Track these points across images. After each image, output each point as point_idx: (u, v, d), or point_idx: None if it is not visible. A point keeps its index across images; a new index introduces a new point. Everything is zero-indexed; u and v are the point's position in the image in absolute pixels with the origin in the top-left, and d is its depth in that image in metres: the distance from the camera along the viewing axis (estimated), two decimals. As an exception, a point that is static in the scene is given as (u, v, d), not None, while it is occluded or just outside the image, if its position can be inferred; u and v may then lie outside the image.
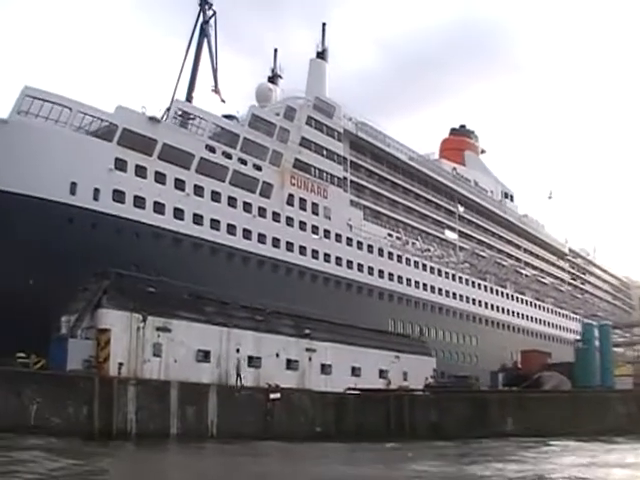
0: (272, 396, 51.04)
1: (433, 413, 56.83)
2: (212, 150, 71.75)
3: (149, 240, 63.95)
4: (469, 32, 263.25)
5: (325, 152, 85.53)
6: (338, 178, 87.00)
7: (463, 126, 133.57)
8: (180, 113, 71.11)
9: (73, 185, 59.76)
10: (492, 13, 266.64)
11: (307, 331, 59.24)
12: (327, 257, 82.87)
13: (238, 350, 52.88)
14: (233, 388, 50.16)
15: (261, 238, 74.80)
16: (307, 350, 58.78)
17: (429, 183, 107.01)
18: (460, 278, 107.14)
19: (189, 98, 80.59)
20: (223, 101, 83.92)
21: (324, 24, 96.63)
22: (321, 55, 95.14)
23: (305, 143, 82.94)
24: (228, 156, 73.29)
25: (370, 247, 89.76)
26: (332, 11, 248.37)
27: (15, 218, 55.88)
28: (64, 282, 52.11)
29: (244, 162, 74.80)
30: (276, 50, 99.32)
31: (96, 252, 56.59)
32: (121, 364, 44.69)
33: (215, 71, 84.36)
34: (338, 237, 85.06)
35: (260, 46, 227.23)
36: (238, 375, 51.65)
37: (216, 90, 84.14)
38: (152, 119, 66.98)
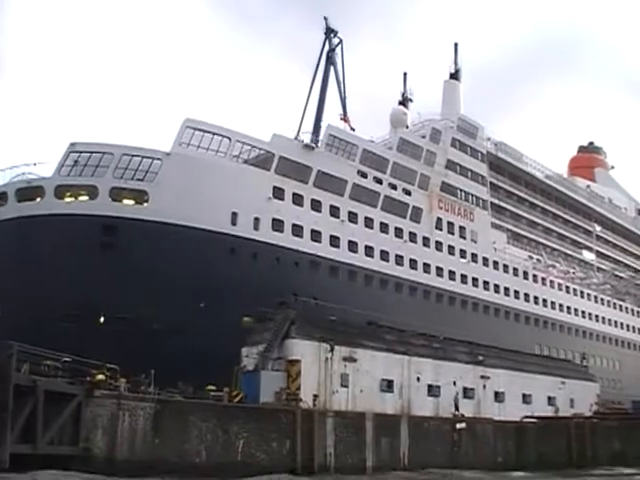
0: (458, 426, 49.23)
1: (616, 440, 54.17)
2: (364, 176, 70.73)
3: (307, 269, 62.94)
4: (554, 40, 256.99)
5: (470, 174, 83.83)
6: (483, 200, 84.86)
7: (591, 143, 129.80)
8: (332, 139, 69.89)
9: (234, 215, 59.23)
10: (574, 19, 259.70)
11: (480, 358, 56.94)
12: (475, 281, 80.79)
13: (419, 379, 51.15)
14: (423, 418, 48.40)
15: (412, 264, 73.28)
16: (481, 377, 56.49)
17: (566, 202, 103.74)
18: (602, 300, 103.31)
19: (317, 126, 79.50)
20: (352, 129, 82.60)
21: (456, 44, 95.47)
22: (454, 76, 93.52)
23: (451, 165, 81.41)
24: (379, 181, 72.19)
25: (515, 270, 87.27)
26: (406, 20, 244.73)
27: (181, 250, 55.32)
28: (229, 313, 51.74)
29: (394, 187, 73.63)
30: (405, 74, 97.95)
31: (257, 282, 55.84)
32: (316, 396, 43.32)
33: (343, 99, 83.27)
34: (485, 261, 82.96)
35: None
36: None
37: (345, 118, 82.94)
38: (307, 146, 66.34)
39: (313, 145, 67.27)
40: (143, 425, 34.88)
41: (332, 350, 45.54)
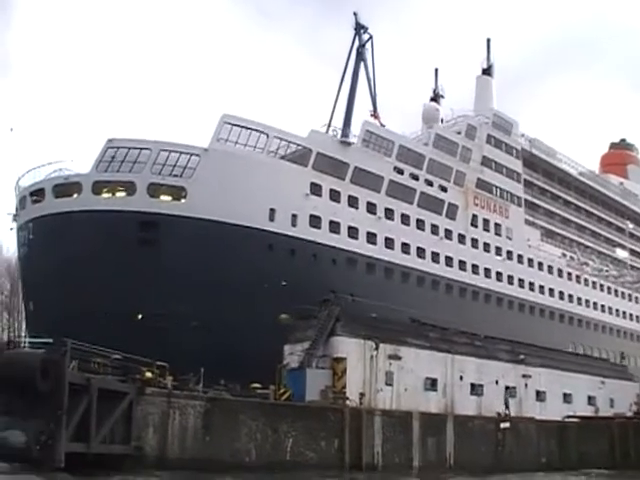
0: (502, 425, 48.51)
1: (661, 441, 53.25)
2: (400, 172, 70.05)
3: (344, 265, 62.39)
4: (582, 35, 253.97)
5: (505, 171, 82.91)
6: (517, 197, 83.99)
7: (623, 139, 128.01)
8: (368, 135, 69.22)
9: (272, 211, 58.67)
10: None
11: (522, 356, 56.13)
12: (510, 279, 79.96)
13: (462, 377, 50.43)
14: (468, 418, 47.74)
15: (448, 261, 72.61)
16: (523, 376, 55.65)
17: (599, 200, 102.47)
18: (636, 298, 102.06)
19: (347, 122, 78.61)
20: (383, 125, 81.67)
21: (488, 40, 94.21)
22: (487, 71, 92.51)
23: (486, 162, 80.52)
24: (415, 177, 71.46)
25: (550, 268, 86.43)
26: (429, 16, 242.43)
27: (218, 247, 54.93)
28: (266, 310, 51.37)
29: (430, 183, 72.88)
30: (437, 70, 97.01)
31: (294, 279, 55.41)
32: (362, 394, 42.73)
33: (374, 95, 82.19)
34: (520, 258, 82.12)
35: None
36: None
37: (375, 115, 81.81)
38: (344, 142, 65.75)
39: (350, 141, 66.53)
40: (193, 423, 34.52)
41: (377, 348, 44.90)
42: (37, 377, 28.64)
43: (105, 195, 56.54)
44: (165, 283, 53.02)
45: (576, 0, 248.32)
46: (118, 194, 56.60)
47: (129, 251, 53.54)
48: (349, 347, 44.04)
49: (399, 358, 46.37)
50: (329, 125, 73.41)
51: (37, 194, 58.74)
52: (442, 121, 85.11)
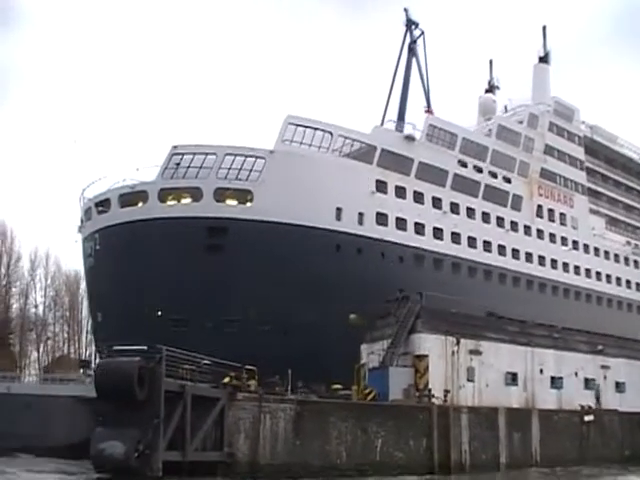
0: (586, 418, 47.52)
1: None
2: (464, 165, 69.21)
3: (411, 262, 61.70)
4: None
5: (568, 159, 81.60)
6: (581, 185, 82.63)
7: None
8: (432, 129, 68.47)
9: (338, 211, 58.22)
10: None
11: (600, 347, 54.90)
12: (577, 269, 78.72)
13: (542, 371, 49.35)
14: (552, 412, 46.84)
15: (515, 253, 71.55)
16: (602, 367, 54.41)
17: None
18: None
19: (401, 118, 78.00)
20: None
21: (544, 27, 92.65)
22: (544, 59, 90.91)
23: (549, 151, 79.31)
24: (479, 170, 70.56)
25: (616, 256, 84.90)
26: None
27: (287, 249, 54.63)
28: (336, 310, 51.01)
29: (494, 175, 71.92)
30: (491, 61, 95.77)
31: (362, 278, 54.94)
32: (447, 391, 41.91)
33: (427, 91, 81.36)
34: (586, 248, 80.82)
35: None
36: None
37: (429, 110, 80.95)
38: (408, 138, 65.13)
39: (414, 136, 65.84)
40: (284, 427, 34.14)
41: (458, 343, 44.07)
42: (134, 385, 28.48)
43: (170, 202, 56.48)
44: (235, 288, 52.89)
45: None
46: (183, 200, 56.58)
47: (197, 257, 53.52)
48: (430, 344, 43.21)
49: (480, 353, 45.47)
50: (382, 121, 73.13)
51: (103, 204, 59.00)
52: (506, 109, 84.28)
